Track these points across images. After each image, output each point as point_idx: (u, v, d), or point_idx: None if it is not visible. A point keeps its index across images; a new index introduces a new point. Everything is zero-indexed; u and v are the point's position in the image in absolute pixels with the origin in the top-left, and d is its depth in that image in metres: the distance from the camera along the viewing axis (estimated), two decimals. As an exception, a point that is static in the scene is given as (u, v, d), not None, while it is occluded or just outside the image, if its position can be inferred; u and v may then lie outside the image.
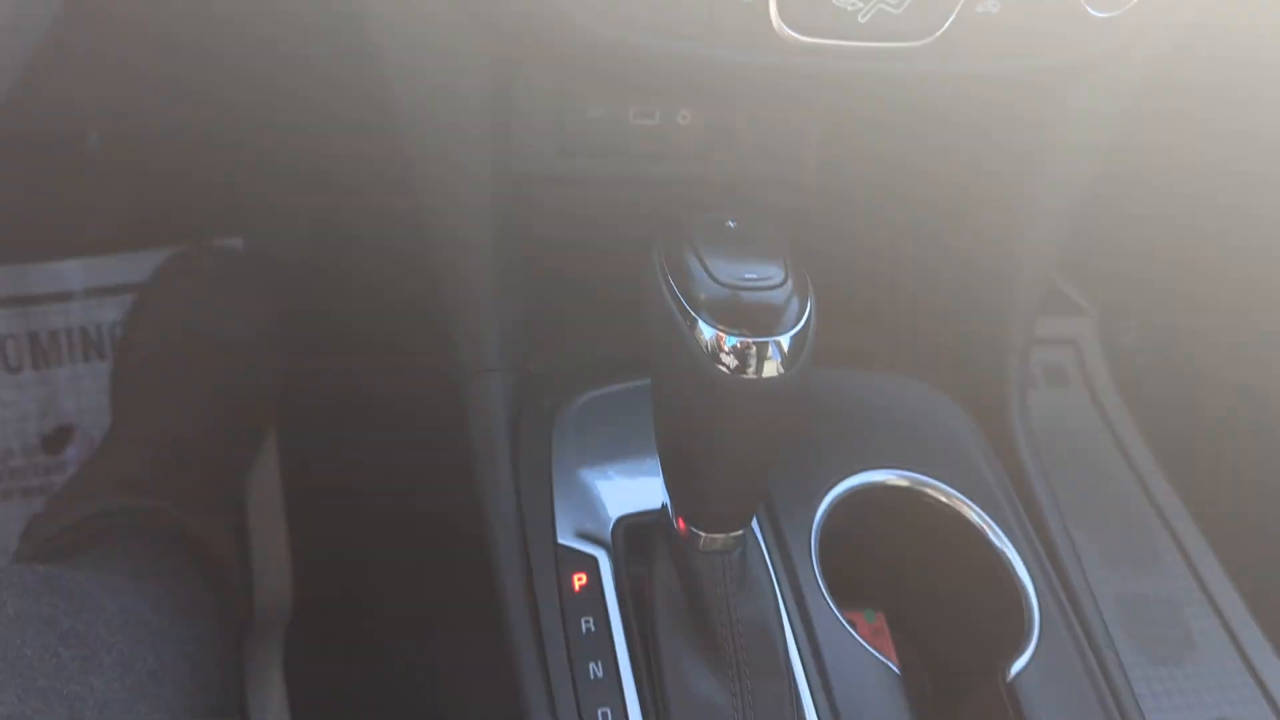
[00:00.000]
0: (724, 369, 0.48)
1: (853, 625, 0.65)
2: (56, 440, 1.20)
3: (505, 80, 0.60)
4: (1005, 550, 0.65)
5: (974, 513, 0.65)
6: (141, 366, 1.14)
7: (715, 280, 0.48)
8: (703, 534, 0.54)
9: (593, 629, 0.57)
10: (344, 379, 1.10)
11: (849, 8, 0.54)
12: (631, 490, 0.63)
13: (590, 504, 0.62)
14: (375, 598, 1.01)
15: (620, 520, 0.61)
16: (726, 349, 0.48)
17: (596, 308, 0.64)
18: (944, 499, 0.66)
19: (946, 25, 0.55)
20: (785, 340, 0.48)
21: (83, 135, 1.16)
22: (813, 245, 0.84)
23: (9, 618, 0.48)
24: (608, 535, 0.61)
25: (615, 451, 0.64)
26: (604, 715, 0.54)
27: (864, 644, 0.60)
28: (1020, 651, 0.61)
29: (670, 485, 0.55)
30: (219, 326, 1.16)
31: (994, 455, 0.70)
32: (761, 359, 0.48)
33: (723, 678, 0.54)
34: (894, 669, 0.60)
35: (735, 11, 0.53)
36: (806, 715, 0.56)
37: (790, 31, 0.54)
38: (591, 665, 0.56)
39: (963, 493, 0.65)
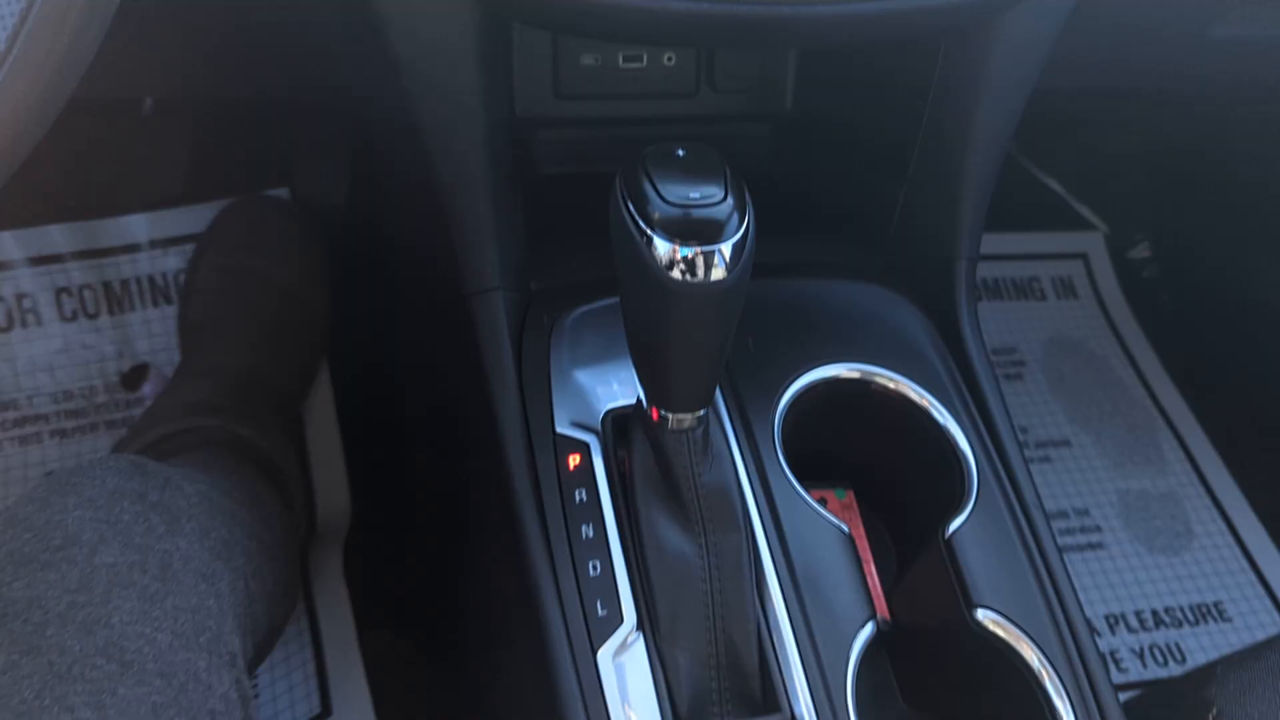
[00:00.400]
0: (677, 276, 0.57)
1: (823, 502, 0.75)
2: (133, 378, 1.33)
3: (494, 35, 0.69)
4: (948, 425, 0.74)
5: (919, 394, 0.75)
6: (204, 308, 1.26)
7: (666, 201, 0.58)
8: (670, 415, 0.64)
9: (584, 499, 0.68)
10: (382, 313, 1.22)
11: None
12: (618, 387, 0.73)
13: (583, 399, 0.73)
14: (419, 507, 1.13)
15: (608, 412, 0.72)
16: (679, 259, 0.57)
17: (591, 233, 0.73)
18: (893, 385, 0.75)
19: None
20: (728, 248, 0.57)
21: (138, 100, 1.27)
22: (785, 170, 0.94)
23: (109, 491, 0.60)
24: (598, 424, 0.72)
25: (605, 356, 0.74)
26: (594, 566, 0.65)
27: (816, 506, 0.70)
28: (959, 513, 0.71)
29: (641, 378, 0.65)
30: (271, 268, 1.27)
31: (945, 350, 0.79)
32: (709, 265, 0.57)
33: (690, 533, 0.65)
34: (844, 529, 0.70)
35: None
36: (764, 562, 0.67)
37: None
38: (584, 527, 0.67)
39: (910, 379, 0.75)
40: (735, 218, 0.57)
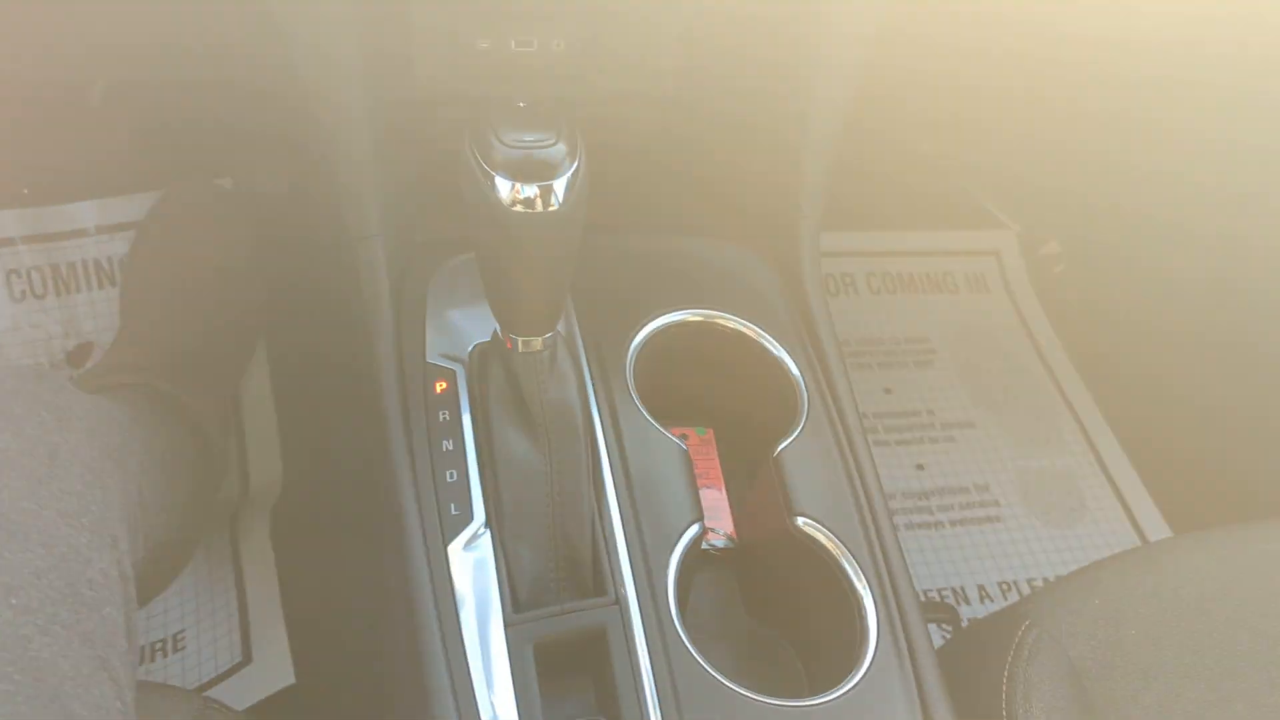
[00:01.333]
0: (519, 211, 0.66)
1: (684, 438, 0.83)
2: (79, 355, 1.40)
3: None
4: (781, 357, 0.83)
5: (756, 331, 0.83)
6: (144, 285, 1.33)
7: (505, 144, 0.66)
8: (519, 340, 0.72)
9: (447, 419, 0.76)
10: (310, 291, 1.30)
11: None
12: (486, 324, 0.81)
13: (455, 335, 0.81)
14: (335, 466, 1.21)
15: (476, 345, 0.80)
16: (519, 196, 0.65)
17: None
18: (732, 325, 0.84)
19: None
20: (561, 184, 0.66)
21: (88, 87, 1.36)
22: (661, 142, 1.03)
23: (6, 391, 0.67)
24: (465, 355, 0.80)
25: (473, 299, 0.83)
26: (451, 474, 0.73)
27: (656, 425, 0.79)
28: (789, 435, 0.80)
29: (494, 308, 0.73)
30: (211, 251, 1.35)
31: (789, 300, 0.87)
32: (546, 199, 0.66)
33: (536, 443, 0.73)
34: (680, 445, 0.78)
35: None
36: (603, 468, 0.75)
37: None
38: (444, 442, 0.75)
39: (750, 320, 0.83)
40: (568, 157, 0.66)
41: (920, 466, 1.55)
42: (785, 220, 0.89)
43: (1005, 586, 1.46)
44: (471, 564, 0.71)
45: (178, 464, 0.90)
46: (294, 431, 1.34)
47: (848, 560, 0.74)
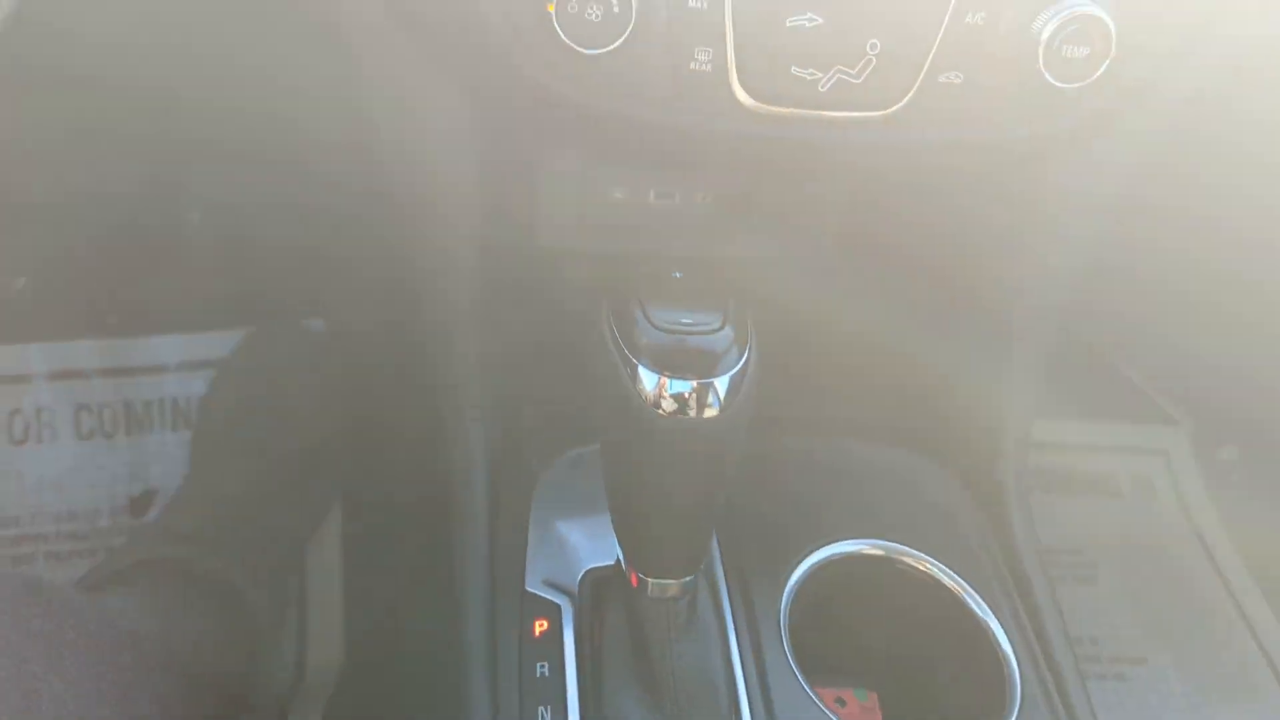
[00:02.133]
0: (663, 412, 0.49)
1: (841, 703, 0.64)
2: (142, 502, 1.28)
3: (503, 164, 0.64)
4: (987, 620, 0.63)
5: (952, 580, 0.64)
6: (218, 433, 1.22)
7: (655, 326, 0.50)
8: (651, 580, 0.55)
9: (546, 674, 0.58)
10: (397, 454, 1.16)
11: (808, 76, 0.56)
12: (604, 544, 0.64)
13: (562, 555, 0.64)
14: (404, 669, 1.04)
15: (588, 572, 0.63)
16: (666, 393, 0.49)
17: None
18: (920, 567, 0.65)
19: (909, 95, 0.57)
20: (723, 383, 0.49)
21: (185, 216, 1.27)
22: (818, 320, 0.86)
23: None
24: (575, 585, 0.62)
25: (593, 507, 0.66)
26: None
27: (824, 709, 0.59)
28: None
29: (620, 535, 0.56)
30: (292, 400, 1.23)
31: (988, 533, 0.68)
32: (700, 402, 0.49)
33: (662, 717, 0.54)
34: None
35: (698, 79, 0.56)
36: None
37: (751, 100, 0.57)
38: (541, 710, 0.57)
39: (941, 560, 0.64)
40: (734, 349, 0.50)
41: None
42: (983, 428, 0.70)
43: None
44: None
45: (203, 662, 0.74)
46: (361, 615, 1.18)
47: None
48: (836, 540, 0.65)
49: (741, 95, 0.57)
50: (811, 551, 0.65)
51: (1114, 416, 1.67)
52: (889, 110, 0.58)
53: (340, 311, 1.34)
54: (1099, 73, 0.56)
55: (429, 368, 0.66)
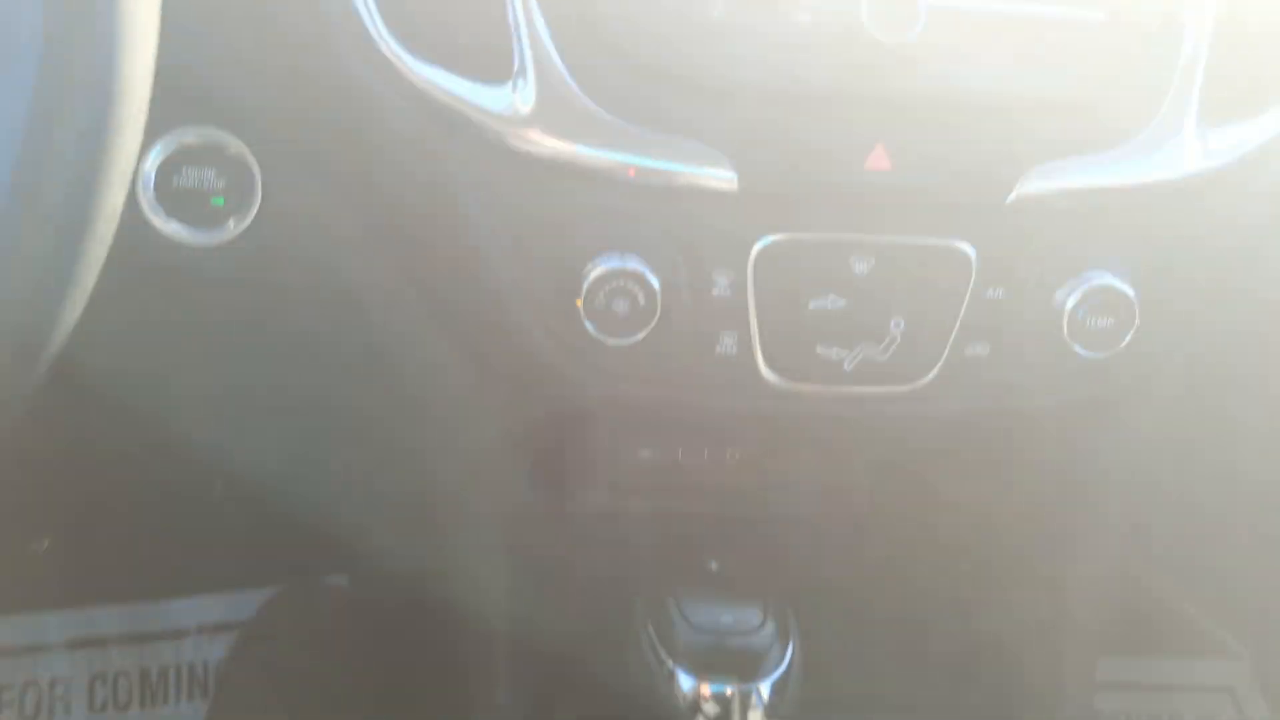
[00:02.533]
0: (705, 717, 0.46)
1: None
2: (151, 781, 1.22)
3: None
4: None
5: None
6: (238, 707, 1.17)
7: (692, 626, 0.48)
8: None
9: None
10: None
11: (833, 356, 0.56)
12: None
13: None
14: None
15: None
16: (708, 696, 0.47)
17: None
18: None
19: (936, 369, 0.57)
20: (766, 687, 0.47)
21: (210, 483, 1.27)
22: (855, 590, 0.83)
23: None
24: None
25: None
26: None
27: None
28: None
29: None
30: (315, 666, 1.19)
31: None
32: (744, 707, 0.46)
33: None
34: None
35: (724, 362, 0.57)
36: None
37: (776, 379, 0.57)
38: None
39: None
40: (776, 648, 0.47)
41: None
42: (1039, 695, 0.66)
43: None
44: None
45: None
46: None
47: None
48: None
49: (768, 374, 0.57)
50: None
51: (1172, 652, 1.59)
52: (916, 385, 0.57)
53: (364, 569, 1.32)
54: (1125, 342, 0.56)
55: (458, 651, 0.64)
